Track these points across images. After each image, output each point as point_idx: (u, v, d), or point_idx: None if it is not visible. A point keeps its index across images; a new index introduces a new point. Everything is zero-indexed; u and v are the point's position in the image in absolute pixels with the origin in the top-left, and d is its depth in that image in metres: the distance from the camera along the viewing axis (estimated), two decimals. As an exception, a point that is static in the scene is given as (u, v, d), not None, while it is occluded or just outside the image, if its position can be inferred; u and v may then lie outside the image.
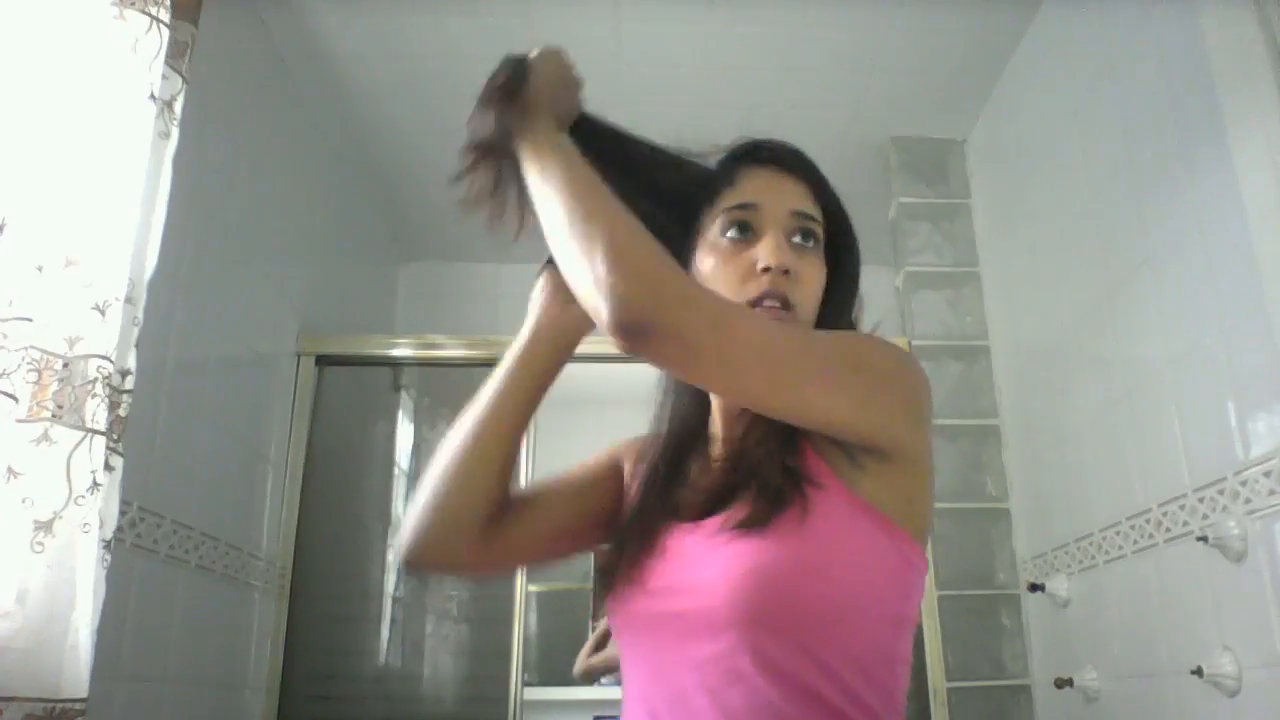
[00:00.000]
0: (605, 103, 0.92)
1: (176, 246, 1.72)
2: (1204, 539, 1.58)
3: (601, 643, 1.91)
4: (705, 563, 0.77)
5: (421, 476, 0.88)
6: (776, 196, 0.86)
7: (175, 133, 1.46)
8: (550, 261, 0.85)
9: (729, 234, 0.85)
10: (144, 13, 1.38)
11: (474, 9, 2.27)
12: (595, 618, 3.46)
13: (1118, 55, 1.95)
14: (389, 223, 3.26)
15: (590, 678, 1.94)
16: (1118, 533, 1.93)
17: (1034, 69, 2.36)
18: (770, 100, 2.61)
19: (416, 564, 0.86)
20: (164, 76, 1.42)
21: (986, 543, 2.46)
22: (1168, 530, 1.75)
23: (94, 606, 1.22)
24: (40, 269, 1.23)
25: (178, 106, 1.47)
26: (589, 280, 0.68)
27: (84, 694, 1.19)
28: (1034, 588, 2.24)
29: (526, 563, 1.03)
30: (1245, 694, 1.52)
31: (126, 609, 1.65)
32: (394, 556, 2.63)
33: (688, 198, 0.89)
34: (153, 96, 1.39)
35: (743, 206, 0.85)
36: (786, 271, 0.82)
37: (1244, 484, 1.53)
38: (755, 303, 0.81)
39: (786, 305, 0.81)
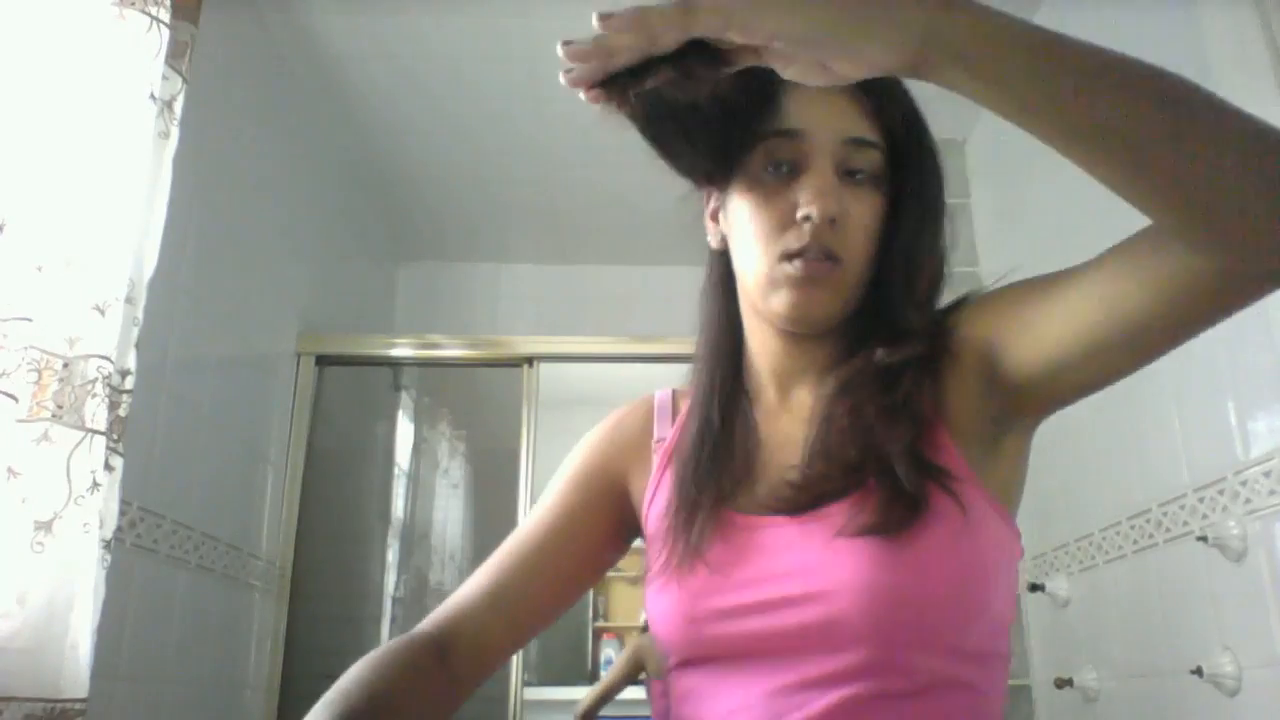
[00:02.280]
0: (605, 102, 0.91)
1: (176, 246, 1.72)
2: (1204, 539, 1.58)
3: (608, 694, 1.86)
4: (826, 568, 0.65)
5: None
6: (826, 120, 0.70)
7: (175, 133, 1.46)
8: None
9: (768, 168, 0.71)
10: (144, 13, 1.38)
11: (474, 9, 2.27)
12: (599, 617, 3.46)
13: (1118, 55, 1.95)
14: (389, 223, 3.26)
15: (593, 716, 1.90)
16: (1118, 533, 1.93)
17: (1034, 69, 2.36)
18: (770, 100, 2.60)
19: None
20: (164, 76, 1.42)
21: (986, 543, 2.46)
22: (1168, 530, 1.75)
23: (94, 606, 1.22)
24: (40, 269, 1.23)
25: (178, 106, 1.47)
26: (1229, 210, 0.50)
27: (84, 694, 1.19)
28: (1034, 588, 2.24)
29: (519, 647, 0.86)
30: (1245, 694, 1.52)
31: (126, 609, 1.64)
32: (394, 557, 2.63)
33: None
34: (153, 96, 1.39)
35: (783, 134, 0.70)
36: (833, 220, 0.68)
37: (1244, 484, 1.53)
38: (792, 257, 0.69)
39: (832, 258, 0.69)
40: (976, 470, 0.68)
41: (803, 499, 0.69)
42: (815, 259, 0.69)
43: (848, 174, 0.71)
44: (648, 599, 0.75)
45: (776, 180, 0.71)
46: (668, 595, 0.71)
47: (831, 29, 0.50)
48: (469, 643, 0.77)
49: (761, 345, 0.79)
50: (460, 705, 0.76)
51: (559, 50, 0.52)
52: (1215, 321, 0.59)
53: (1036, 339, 0.65)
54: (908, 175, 0.73)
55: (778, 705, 0.65)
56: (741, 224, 0.73)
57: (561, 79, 0.53)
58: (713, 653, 0.70)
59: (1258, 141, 0.50)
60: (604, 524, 0.83)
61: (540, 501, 0.84)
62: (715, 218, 0.79)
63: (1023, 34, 0.51)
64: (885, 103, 0.73)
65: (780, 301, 0.71)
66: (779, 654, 0.66)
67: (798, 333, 0.75)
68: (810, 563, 0.66)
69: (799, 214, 0.69)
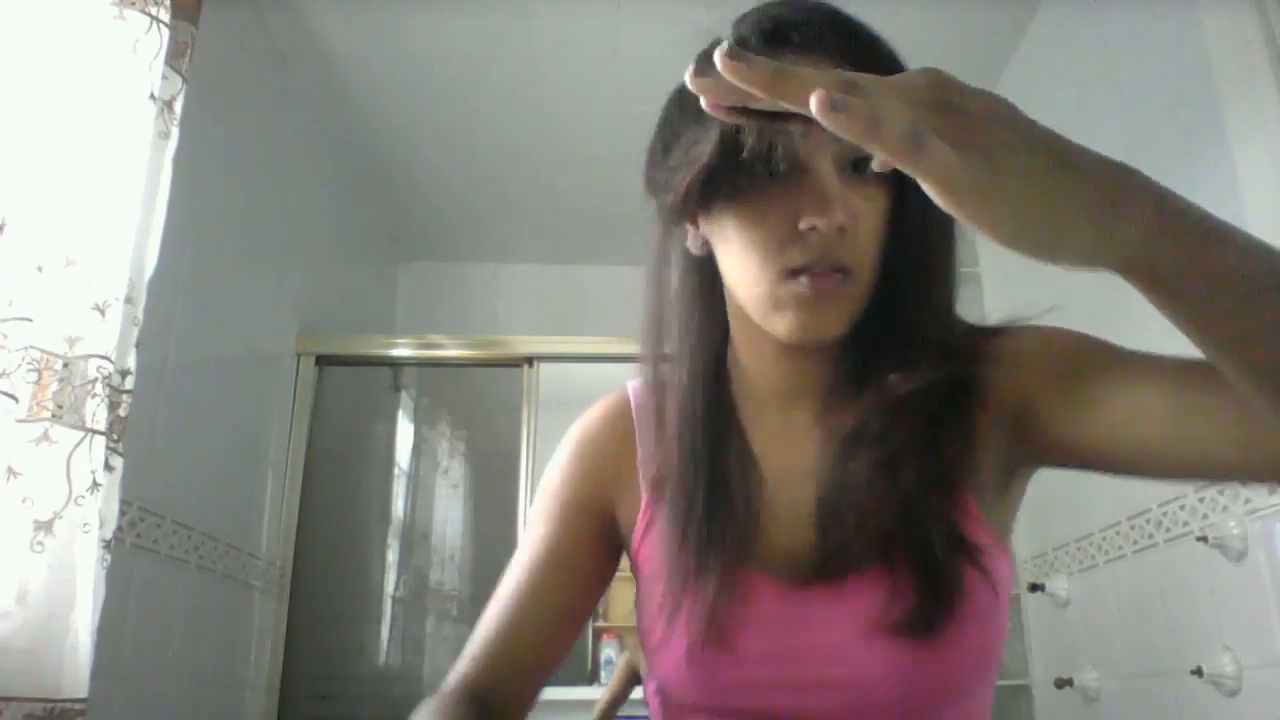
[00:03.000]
0: (605, 102, 0.91)
1: (176, 246, 1.72)
2: (1204, 539, 1.58)
3: (613, 706, 1.84)
4: (859, 658, 0.61)
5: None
6: None
7: (175, 133, 1.46)
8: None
9: (758, 165, 0.59)
10: (144, 13, 1.38)
11: (474, 9, 2.27)
12: (600, 617, 3.45)
13: (1118, 55, 1.95)
14: (389, 223, 3.26)
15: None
16: (1118, 533, 1.93)
17: (1034, 69, 2.36)
18: (770, 100, 2.61)
19: None
20: (164, 76, 1.42)
21: (986, 543, 2.46)
22: (1168, 530, 1.75)
23: (94, 606, 1.22)
24: (40, 269, 1.23)
25: (178, 106, 1.47)
26: None
27: (84, 694, 1.19)
28: (1034, 588, 2.24)
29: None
30: (1245, 694, 1.52)
31: (126, 609, 1.64)
32: (394, 557, 2.63)
33: None
34: (153, 96, 1.39)
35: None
36: (841, 229, 0.58)
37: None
38: (797, 274, 0.60)
39: (842, 270, 0.60)
40: (991, 521, 0.64)
41: (822, 572, 0.63)
42: (824, 274, 0.60)
43: (852, 167, 0.60)
44: (651, 643, 0.69)
45: (770, 182, 0.60)
46: (678, 650, 0.66)
47: (1037, 238, 0.42)
48: (503, 698, 0.71)
49: (758, 364, 0.70)
50: None
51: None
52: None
53: (1091, 424, 0.59)
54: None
55: None
56: (732, 237, 0.62)
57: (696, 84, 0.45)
58: (729, 713, 0.66)
59: None
60: (595, 551, 0.76)
61: (526, 537, 0.78)
62: (694, 221, 0.66)
63: (1229, 268, 0.46)
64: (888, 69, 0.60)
65: (785, 324, 0.62)
66: None
67: (804, 349, 0.67)
68: (841, 647, 0.62)
69: (802, 225, 0.59)
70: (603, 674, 2.80)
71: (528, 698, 0.74)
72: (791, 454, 0.69)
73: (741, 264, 0.63)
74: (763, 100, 0.41)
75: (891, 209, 0.63)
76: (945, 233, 0.65)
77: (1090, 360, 0.61)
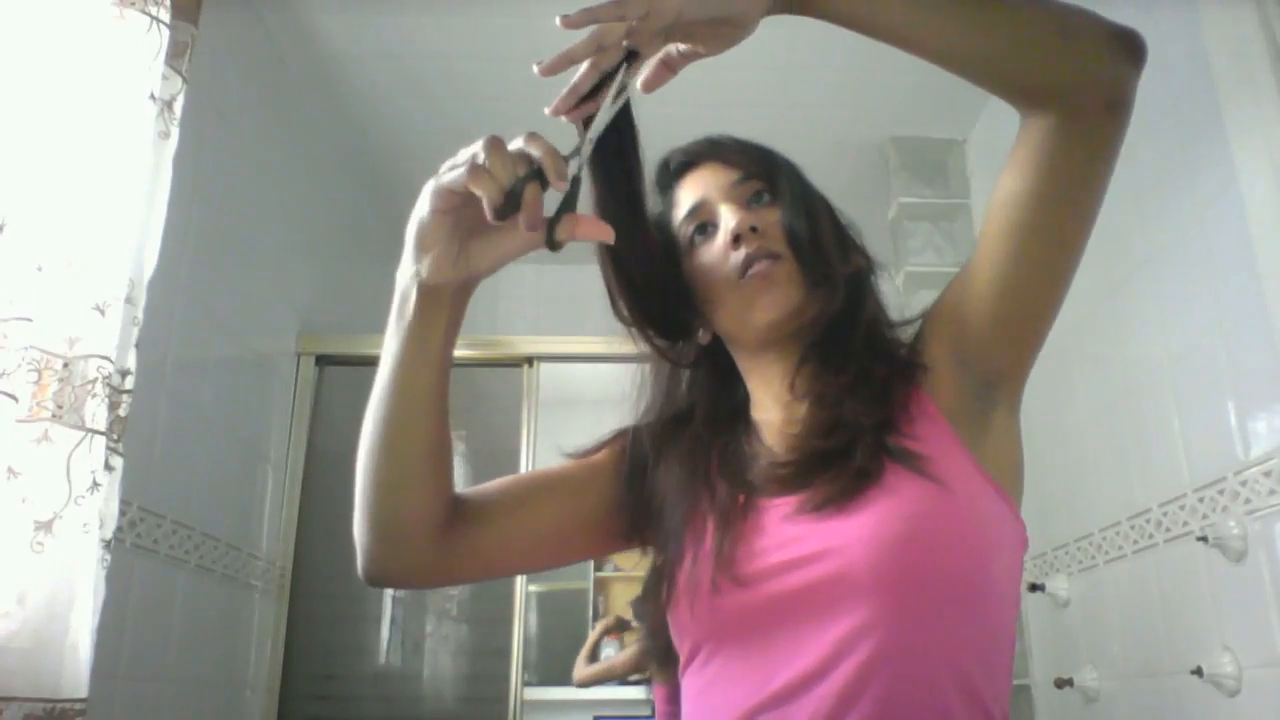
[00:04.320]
0: (605, 103, 0.91)
1: (176, 246, 1.72)
2: (1204, 539, 1.58)
3: (595, 651, 1.88)
4: (822, 534, 0.70)
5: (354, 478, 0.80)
6: (711, 183, 0.85)
7: (175, 133, 1.46)
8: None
9: (695, 238, 0.84)
10: (144, 13, 1.38)
11: (474, 9, 2.27)
12: (599, 617, 3.45)
13: (1118, 55, 1.95)
14: (389, 223, 3.25)
15: (587, 686, 1.90)
16: (1118, 533, 1.93)
17: (1034, 69, 2.36)
18: (770, 100, 2.61)
19: (373, 580, 0.82)
20: (164, 76, 1.42)
21: (986, 543, 2.46)
22: (1168, 530, 1.75)
23: (94, 606, 1.22)
24: (40, 269, 1.23)
25: (178, 106, 1.47)
26: (1087, 63, 0.68)
27: (84, 694, 1.19)
28: (1034, 588, 2.24)
29: (502, 571, 0.90)
30: (1245, 694, 1.52)
31: (126, 609, 1.64)
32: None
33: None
34: (153, 96, 1.39)
35: (690, 213, 0.85)
36: (754, 229, 0.80)
37: (1244, 484, 1.53)
38: (744, 269, 0.79)
39: (773, 257, 0.80)
40: (971, 448, 0.73)
41: (788, 487, 0.75)
42: (762, 263, 0.79)
43: (748, 205, 0.83)
44: (682, 594, 0.77)
45: (706, 240, 0.84)
46: (684, 575, 0.75)
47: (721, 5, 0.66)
48: (476, 505, 0.82)
49: (765, 386, 0.85)
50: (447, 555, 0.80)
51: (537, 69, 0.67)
52: (1093, 176, 0.72)
53: (975, 283, 0.75)
54: (793, 194, 0.84)
55: (797, 668, 0.68)
56: (703, 281, 0.83)
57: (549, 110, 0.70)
58: (731, 627, 0.73)
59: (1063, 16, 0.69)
60: (603, 506, 0.85)
61: (574, 449, 0.90)
62: (696, 330, 0.87)
63: None
64: (749, 152, 0.87)
65: (758, 310, 0.80)
66: (797, 618, 0.69)
67: (786, 335, 0.81)
68: (805, 531, 0.71)
69: (728, 239, 0.80)
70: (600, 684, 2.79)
71: (498, 544, 0.83)
72: (776, 416, 0.83)
73: (713, 289, 0.82)
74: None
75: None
76: (821, 215, 0.85)
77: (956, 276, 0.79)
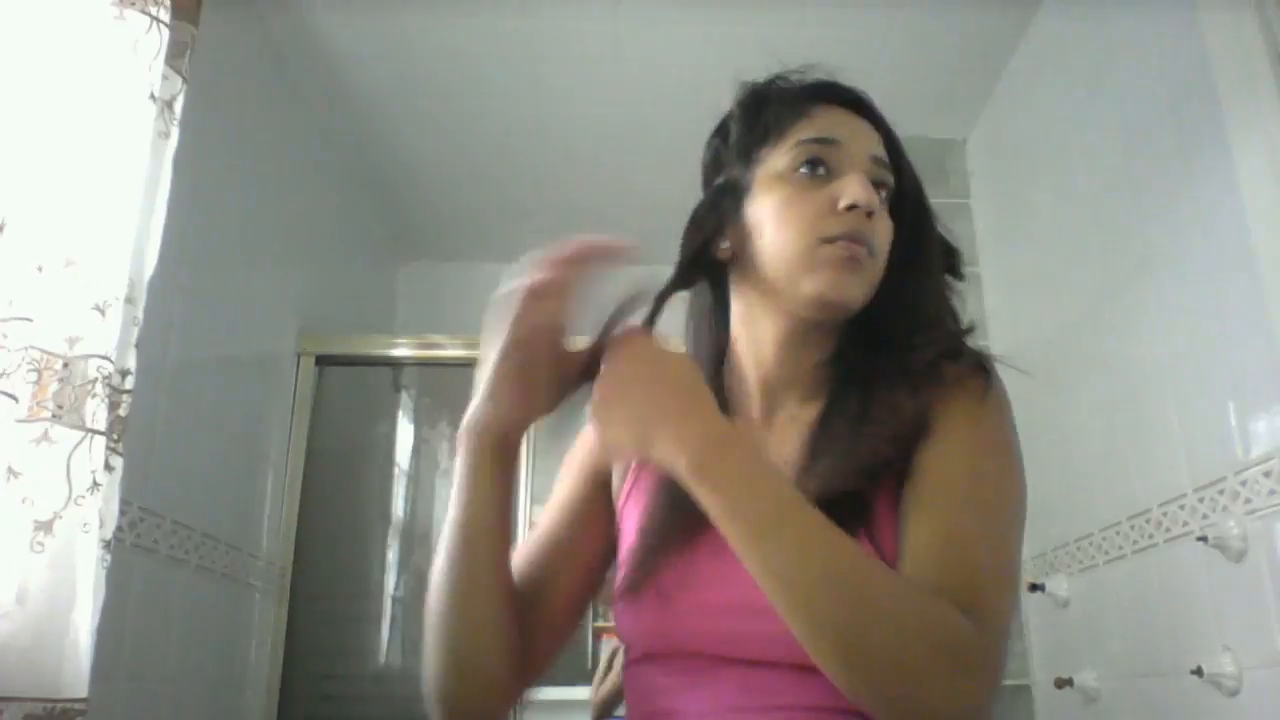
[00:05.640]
0: (605, 103, 0.92)
1: (176, 246, 1.72)
2: (1204, 539, 1.58)
3: (615, 697, 1.87)
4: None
5: (430, 625, 0.80)
6: (857, 137, 0.78)
7: (175, 133, 1.46)
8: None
9: (802, 169, 0.76)
10: (144, 13, 1.38)
11: (474, 9, 2.27)
12: (597, 616, 3.45)
13: (1118, 55, 1.95)
14: (389, 223, 3.26)
15: (605, 710, 1.89)
16: (1118, 533, 1.93)
17: (1034, 69, 2.36)
18: (770, 100, 2.60)
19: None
20: (164, 76, 1.42)
21: (986, 543, 2.45)
22: (1168, 530, 1.75)
23: (94, 606, 1.22)
24: (40, 269, 1.23)
25: (178, 106, 1.47)
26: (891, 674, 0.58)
27: (84, 694, 1.19)
28: (1034, 587, 2.23)
29: (558, 652, 0.85)
30: (1245, 694, 1.52)
31: (126, 609, 1.65)
32: (394, 557, 2.63)
33: None
34: (153, 96, 1.39)
35: (821, 141, 0.76)
36: (870, 214, 0.73)
37: (1244, 484, 1.53)
38: (832, 240, 0.73)
39: (869, 248, 0.74)
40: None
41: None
42: (857, 245, 0.73)
43: (874, 186, 0.76)
44: (617, 596, 0.77)
45: (812, 178, 0.76)
46: (639, 598, 0.75)
47: (639, 440, 0.65)
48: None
49: (755, 355, 0.81)
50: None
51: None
52: None
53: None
54: (912, 219, 0.79)
55: (749, 697, 0.68)
56: (773, 214, 0.76)
57: None
58: (682, 648, 0.72)
59: (918, 623, 0.59)
60: (603, 538, 0.84)
61: (550, 500, 0.87)
62: (722, 232, 0.80)
63: (762, 497, 0.63)
64: (895, 143, 0.81)
65: (816, 283, 0.73)
66: (749, 650, 0.68)
67: (817, 319, 0.77)
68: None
69: (842, 203, 0.73)
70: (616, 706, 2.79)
71: (542, 657, 0.80)
72: (765, 436, 0.79)
73: (781, 233, 0.75)
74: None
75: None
76: (935, 280, 0.79)
77: (914, 497, 0.69)
